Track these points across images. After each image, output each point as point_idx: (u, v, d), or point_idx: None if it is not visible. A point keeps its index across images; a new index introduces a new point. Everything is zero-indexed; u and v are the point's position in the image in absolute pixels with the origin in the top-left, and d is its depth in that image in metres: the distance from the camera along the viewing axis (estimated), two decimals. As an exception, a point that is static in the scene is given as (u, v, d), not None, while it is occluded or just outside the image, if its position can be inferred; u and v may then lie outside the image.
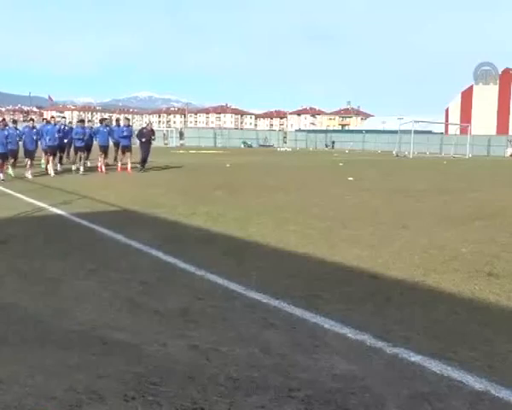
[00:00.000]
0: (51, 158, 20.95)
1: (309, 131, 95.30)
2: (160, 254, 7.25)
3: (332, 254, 7.43)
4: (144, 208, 11.62)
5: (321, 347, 4.24)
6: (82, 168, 21.47)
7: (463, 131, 62.55)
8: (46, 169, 21.17)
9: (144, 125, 26.00)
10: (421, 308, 5.24)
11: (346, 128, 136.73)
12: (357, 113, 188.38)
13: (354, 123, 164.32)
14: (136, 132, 25.00)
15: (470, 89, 72.60)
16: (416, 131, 56.67)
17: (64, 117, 27.09)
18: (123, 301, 5.33)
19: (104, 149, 22.45)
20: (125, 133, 22.78)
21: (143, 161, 22.94)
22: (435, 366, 3.89)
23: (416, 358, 4.03)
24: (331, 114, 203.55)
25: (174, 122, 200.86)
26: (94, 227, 9.32)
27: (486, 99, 68.60)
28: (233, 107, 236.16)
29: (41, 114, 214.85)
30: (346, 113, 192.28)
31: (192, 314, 4.95)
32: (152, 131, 24.39)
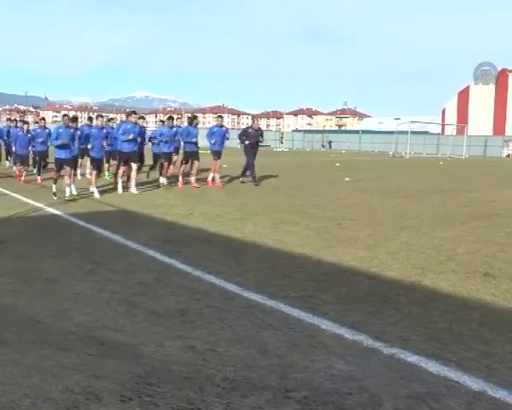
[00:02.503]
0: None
1: (306, 132, 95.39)
2: (158, 255, 7.24)
3: (329, 255, 7.43)
4: (141, 209, 11.61)
5: (318, 347, 4.24)
6: (165, 180, 16.69)
7: (460, 131, 62.61)
8: (115, 181, 15.79)
9: (250, 124, 19.42)
10: (418, 309, 5.25)
11: (343, 128, 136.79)
12: (354, 113, 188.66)
13: (351, 123, 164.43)
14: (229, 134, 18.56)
15: (467, 89, 72.70)
16: (413, 132, 56.72)
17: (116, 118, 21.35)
18: (120, 301, 5.33)
19: (195, 157, 16.81)
20: (193, 139, 16.73)
21: (247, 169, 17.78)
22: (432, 366, 3.90)
23: (412, 358, 4.04)
24: (328, 114, 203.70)
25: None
26: (91, 227, 9.32)
27: (483, 99, 68.70)
28: (230, 107, 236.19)
29: (37, 114, 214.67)
30: (342, 113, 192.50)
31: (189, 315, 4.95)
32: (260, 131, 18.56)
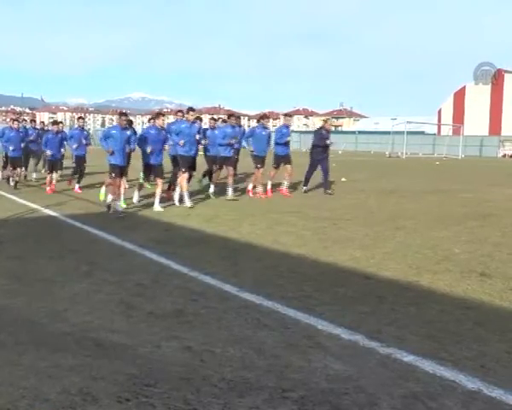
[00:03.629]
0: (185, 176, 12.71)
1: (302, 132, 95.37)
2: (154, 256, 7.24)
3: (326, 255, 7.44)
4: (137, 210, 11.60)
5: (314, 347, 4.25)
6: (231, 191, 13.87)
7: (456, 131, 62.69)
8: (169, 194, 13.59)
9: (321, 124, 16.86)
10: (415, 308, 5.26)
11: (339, 129, 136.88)
12: (350, 114, 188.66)
13: (347, 124, 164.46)
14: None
15: (463, 89, 72.78)
16: (409, 132, 56.80)
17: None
18: (117, 302, 5.33)
19: (288, 160, 15.19)
20: (286, 139, 15.18)
21: (325, 178, 15.63)
22: (428, 365, 3.91)
23: (409, 358, 4.05)
24: (324, 114, 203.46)
25: (167, 123, 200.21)
26: (87, 229, 9.31)
27: (479, 100, 68.75)
28: (226, 108, 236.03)
29: (33, 115, 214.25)
30: (338, 114, 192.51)
31: (186, 315, 4.95)
32: (327, 133, 16.10)
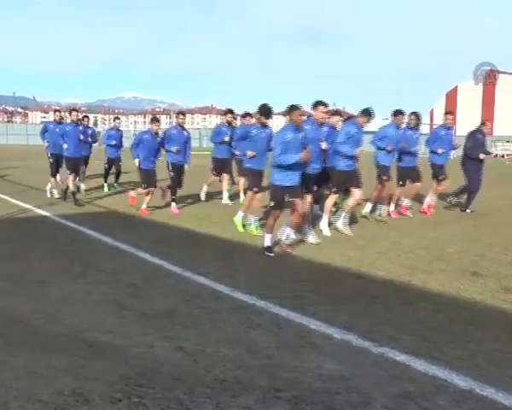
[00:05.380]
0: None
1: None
2: (148, 256, 7.23)
3: (319, 255, 7.45)
4: (130, 210, 11.58)
5: (307, 347, 4.25)
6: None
7: (448, 131, 62.80)
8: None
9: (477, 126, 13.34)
10: (408, 308, 5.28)
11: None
12: (343, 113, 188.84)
13: (341, 123, 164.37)
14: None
15: (455, 90, 73.03)
16: (401, 132, 56.80)
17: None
18: (110, 303, 5.31)
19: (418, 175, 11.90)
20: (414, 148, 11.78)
21: (469, 191, 12.70)
22: (421, 365, 3.92)
23: (401, 357, 4.06)
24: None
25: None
26: (81, 229, 9.28)
27: (471, 100, 69.01)
28: (218, 107, 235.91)
29: (25, 115, 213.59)
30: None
31: (179, 316, 4.95)
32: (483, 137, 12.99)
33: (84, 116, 15.92)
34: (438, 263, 7.12)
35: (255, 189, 9.38)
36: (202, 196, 13.23)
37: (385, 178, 10.99)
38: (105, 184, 15.49)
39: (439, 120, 70.16)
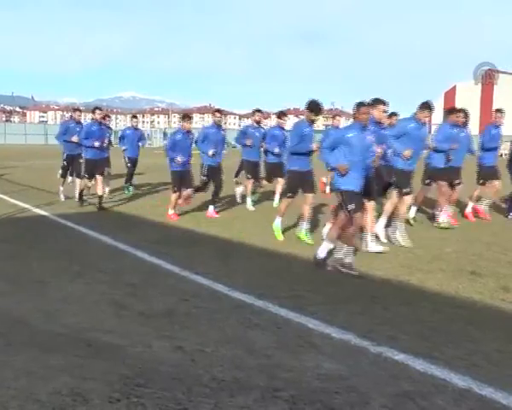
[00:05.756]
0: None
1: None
2: (146, 256, 7.22)
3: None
4: (129, 210, 11.57)
5: (306, 347, 4.25)
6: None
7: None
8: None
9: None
10: (406, 308, 5.28)
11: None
12: (341, 113, 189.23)
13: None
14: None
15: (453, 89, 73.08)
16: (400, 132, 56.82)
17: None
18: (108, 302, 5.31)
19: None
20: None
21: None
22: (420, 364, 3.92)
23: (400, 356, 4.06)
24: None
25: (158, 123, 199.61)
26: (80, 229, 9.27)
27: (469, 99, 69.01)
28: (216, 107, 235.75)
29: (24, 114, 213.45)
30: (329, 113, 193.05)
31: (177, 315, 4.94)
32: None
33: (106, 115, 15.09)
34: (436, 263, 7.13)
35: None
36: (239, 198, 12.75)
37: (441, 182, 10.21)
38: (130, 187, 14.77)
39: (436, 119, 70.30)
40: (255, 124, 12.44)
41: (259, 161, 12.49)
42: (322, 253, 6.88)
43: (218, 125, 11.17)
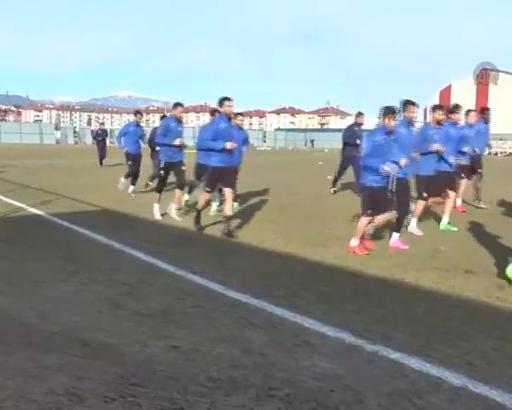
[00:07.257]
0: None
1: (288, 130, 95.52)
2: (142, 255, 7.22)
3: (312, 254, 7.45)
4: (125, 208, 11.55)
5: (301, 346, 4.26)
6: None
7: (441, 129, 62.85)
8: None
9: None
10: (401, 306, 5.29)
11: (326, 127, 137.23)
12: (337, 112, 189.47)
13: (333, 122, 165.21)
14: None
15: (448, 88, 73.15)
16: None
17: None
18: (104, 302, 5.30)
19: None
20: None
21: None
22: (415, 362, 3.93)
23: (395, 355, 4.07)
24: (310, 113, 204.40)
25: (153, 121, 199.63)
26: (74, 228, 9.24)
27: (464, 98, 69.10)
28: (212, 106, 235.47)
29: (19, 113, 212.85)
30: (325, 112, 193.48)
31: (173, 315, 4.94)
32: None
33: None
34: (431, 261, 7.15)
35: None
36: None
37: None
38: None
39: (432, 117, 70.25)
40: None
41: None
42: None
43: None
